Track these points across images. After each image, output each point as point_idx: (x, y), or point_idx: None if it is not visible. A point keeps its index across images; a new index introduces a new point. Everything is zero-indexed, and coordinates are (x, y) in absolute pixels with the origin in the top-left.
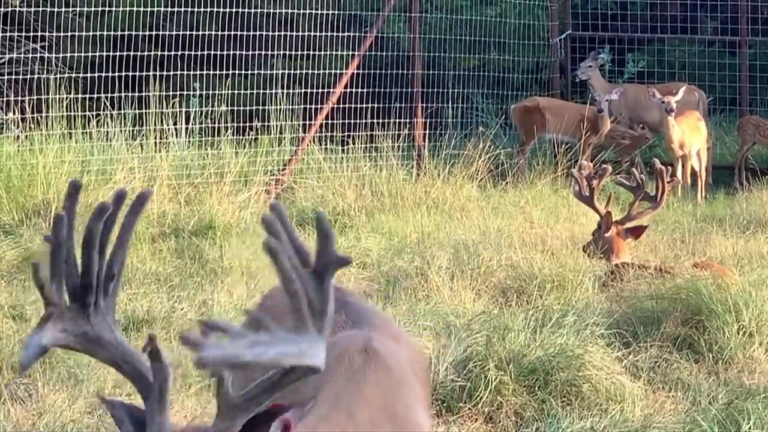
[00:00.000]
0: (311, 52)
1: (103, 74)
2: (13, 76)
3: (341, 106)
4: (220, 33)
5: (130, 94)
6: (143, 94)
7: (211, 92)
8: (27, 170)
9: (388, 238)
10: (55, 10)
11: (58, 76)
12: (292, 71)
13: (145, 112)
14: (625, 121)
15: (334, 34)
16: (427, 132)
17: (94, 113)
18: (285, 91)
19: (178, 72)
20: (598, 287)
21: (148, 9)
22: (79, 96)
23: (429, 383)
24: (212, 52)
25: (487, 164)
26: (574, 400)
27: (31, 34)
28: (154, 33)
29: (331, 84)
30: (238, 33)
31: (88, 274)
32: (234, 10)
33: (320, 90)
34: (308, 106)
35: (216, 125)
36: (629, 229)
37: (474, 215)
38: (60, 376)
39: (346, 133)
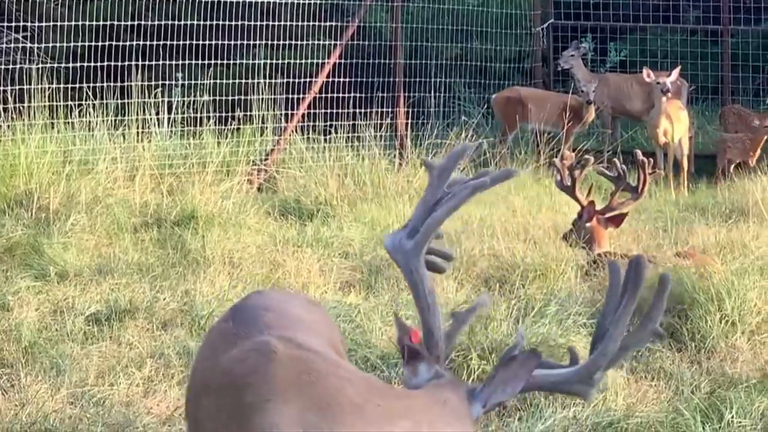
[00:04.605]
0: (293, 42)
1: (85, 64)
2: None
3: (323, 95)
4: (202, 22)
5: (112, 84)
6: (125, 83)
7: (193, 82)
8: (9, 160)
9: (371, 228)
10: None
11: (40, 65)
12: (274, 61)
13: (128, 102)
14: (607, 110)
15: (316, 23)
16: (410, 121)
17: (76, 103)
18: (267, 80)
19: (161, 62)
20: (581, 276)
21: None
22: (61, 86)
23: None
24: (194, 42)
25: (470, 153)
26: None
27: (13, 24)
28: (136, 23)
29: (314, 73)
30: (220, 22)
31: None
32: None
33: (302, 79)
34: (290, 96)
35: (198, 115)
36: (608, 218)
37: None
38: (42, 367)
39: (328, 123)
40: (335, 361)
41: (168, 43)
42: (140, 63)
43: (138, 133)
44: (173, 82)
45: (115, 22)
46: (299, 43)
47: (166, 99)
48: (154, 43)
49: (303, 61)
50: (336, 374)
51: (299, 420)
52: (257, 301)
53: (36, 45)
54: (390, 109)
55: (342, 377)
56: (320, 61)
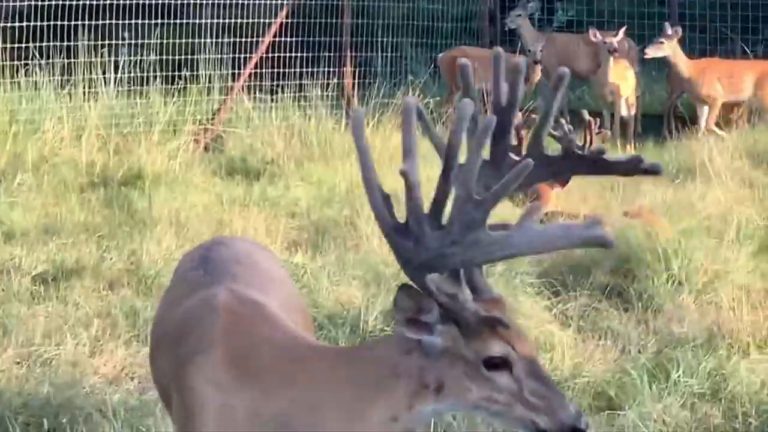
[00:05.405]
0: (240, 1)
1: (32, 23)
2: None
3: (270, 55)
4: None
5: (58, 44)
6: (72, 43)
7: (139, 41)
8: None
9: (318, 188)
10: None
11: None
12: (220, 20)
13: (74, 62)
14: (553, 70)
15: None
16: (357, 81)
17: (23, 62)
18: (214, 40)
19: (107, 21)
20: None
21: None
22: (8, 45)
23: (309, 319)
24: (141, 1)
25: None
26: None
27: None
28: None
29: (261, 33)
30: None
31: None
32: None
33: (249, 39)
34: (237, 56)
35: (145, 75)
36: None
37: None
38: None
39: (275, 82)
40: (274, 318)
41: (114, 2)
42: (86, 22)
43: (84, 92)
44: (119, 42)
45: None
46: (246, 2)
47: (112, 58)
48: (101, 2)
49: (250, 20)
50: (264, 333)
51: (212, 376)
52: (226, 252)
53: None
54: (337, 69)
55: (267, 337)
56: (267, 20)
